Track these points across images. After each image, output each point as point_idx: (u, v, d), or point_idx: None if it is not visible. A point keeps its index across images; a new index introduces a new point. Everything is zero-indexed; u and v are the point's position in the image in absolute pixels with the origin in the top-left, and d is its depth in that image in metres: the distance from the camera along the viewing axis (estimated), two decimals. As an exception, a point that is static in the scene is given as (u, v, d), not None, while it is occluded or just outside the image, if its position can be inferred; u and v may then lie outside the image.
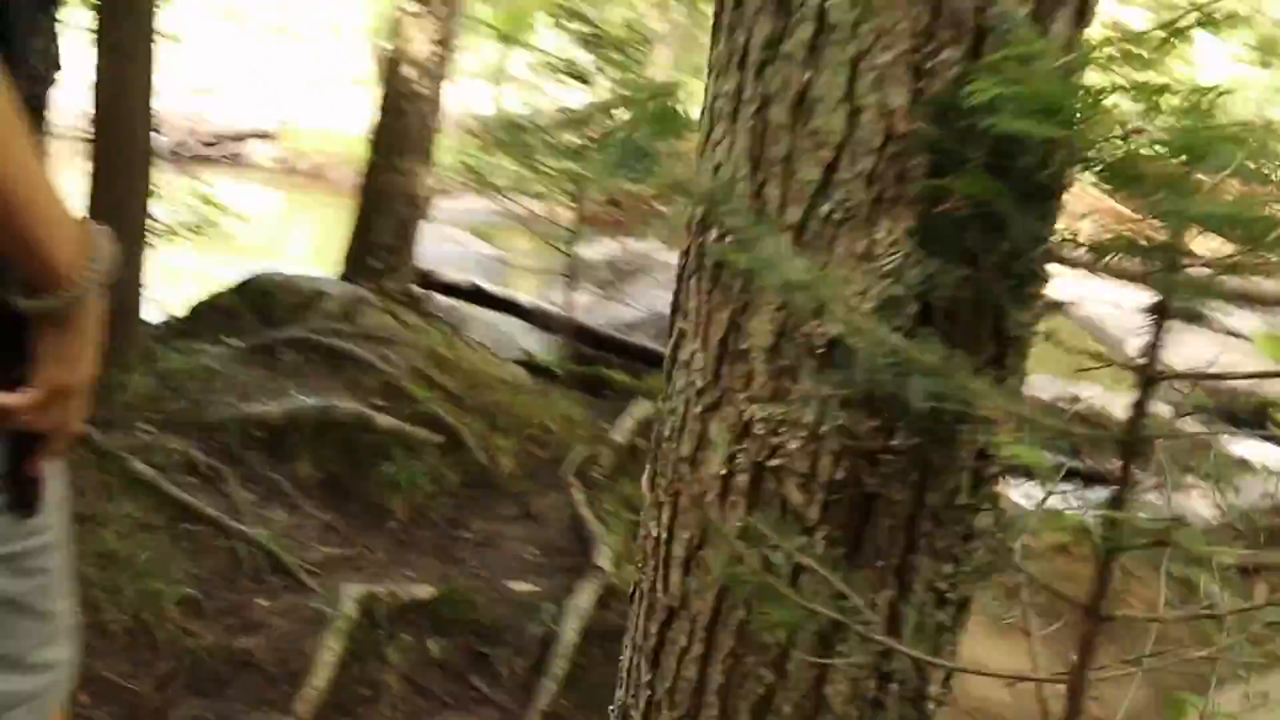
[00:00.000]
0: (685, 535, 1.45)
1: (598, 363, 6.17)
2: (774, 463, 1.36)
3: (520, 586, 3.80)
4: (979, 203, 1.21)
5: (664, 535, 1.48)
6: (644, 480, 1.54)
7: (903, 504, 1.36)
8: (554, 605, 3.57)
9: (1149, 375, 1.18)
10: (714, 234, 1.39)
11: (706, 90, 1.45)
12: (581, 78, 5.96)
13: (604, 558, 3.91)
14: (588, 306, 6.51)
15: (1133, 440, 1.19)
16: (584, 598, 3.63)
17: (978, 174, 1.19)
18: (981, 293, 1.29)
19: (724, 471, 1.39)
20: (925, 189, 1.25)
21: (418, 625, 3.38)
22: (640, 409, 5.45)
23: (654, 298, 6.61)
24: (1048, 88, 1.14)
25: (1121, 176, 1.16)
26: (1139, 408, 1.18)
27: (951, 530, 1.41)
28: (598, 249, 6.73)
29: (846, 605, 1.31)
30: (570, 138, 5.85)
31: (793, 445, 1.35)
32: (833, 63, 1.28)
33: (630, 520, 4.39)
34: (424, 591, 3.51)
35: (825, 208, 1.30)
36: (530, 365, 5.96)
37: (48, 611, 1.21)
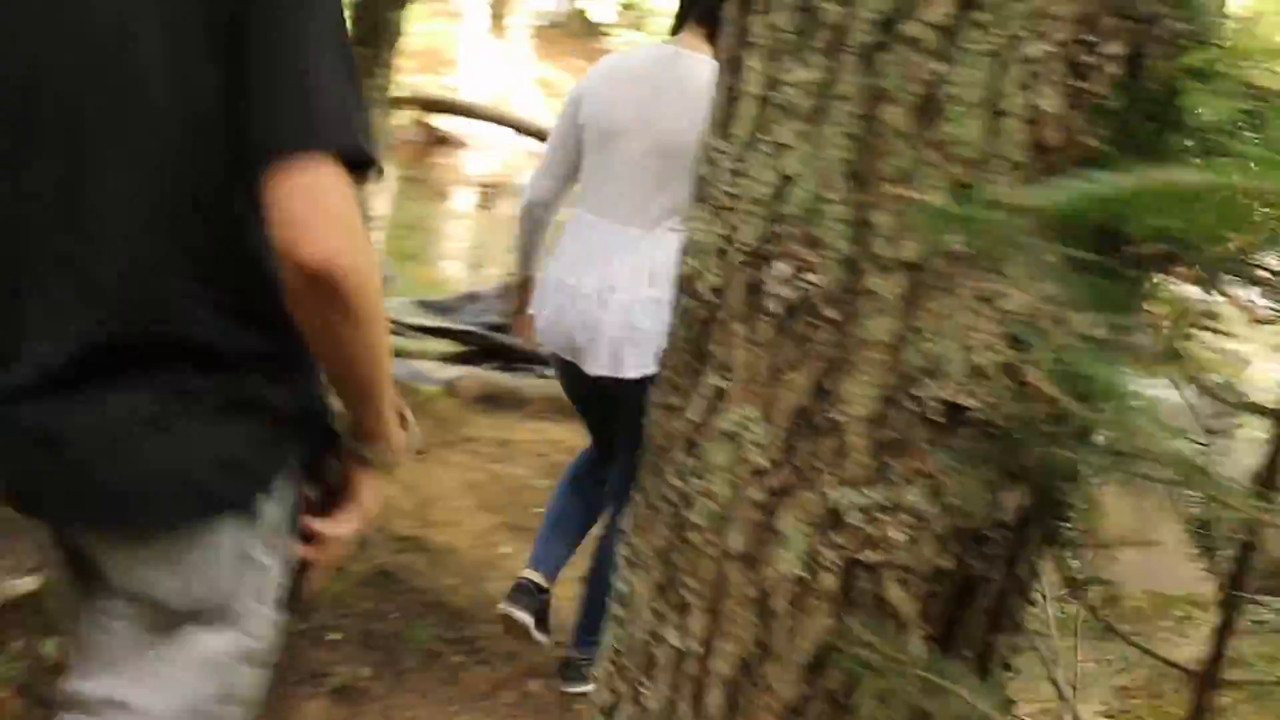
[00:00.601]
0: (732, 649, 1.13)
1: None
2: (873, 557, 1.07)
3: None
4: (1161, 235, 0.98)
5: (694, 648, 1.15)
6: (638, 579, 1.19)
7: (996, 582, 1.14)
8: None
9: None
10: (783, 268, 1.05)
11: (739, 69, 1.09)
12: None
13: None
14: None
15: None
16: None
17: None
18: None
19: (803, 573, 1.08)
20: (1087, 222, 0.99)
21: (25, 625, 2.77)
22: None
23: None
24: None
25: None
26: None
27: (1027, 599, 1.21)
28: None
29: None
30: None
31: (895, 535, 1.06)
32: (974, 52, 0.97)
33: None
34: (26, 584, 2.88)
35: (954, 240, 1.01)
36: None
37: None
